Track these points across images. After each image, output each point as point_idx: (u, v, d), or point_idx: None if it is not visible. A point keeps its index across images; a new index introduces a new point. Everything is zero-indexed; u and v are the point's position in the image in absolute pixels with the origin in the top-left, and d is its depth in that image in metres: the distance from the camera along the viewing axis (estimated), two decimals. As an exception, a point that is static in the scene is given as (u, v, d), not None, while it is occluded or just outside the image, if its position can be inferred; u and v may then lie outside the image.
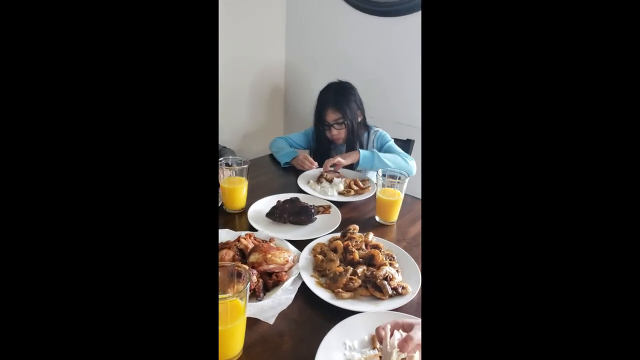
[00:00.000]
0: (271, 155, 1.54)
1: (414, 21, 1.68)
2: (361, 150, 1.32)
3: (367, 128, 1.51)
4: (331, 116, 1.42)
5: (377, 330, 0.56)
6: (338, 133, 1.44)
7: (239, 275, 0.61)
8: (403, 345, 0.52)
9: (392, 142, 1.45)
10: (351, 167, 1.41)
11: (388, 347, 0.52)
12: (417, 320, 0.56)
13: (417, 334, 0.52)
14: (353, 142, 1.43)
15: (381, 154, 1.31)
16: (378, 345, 0.58)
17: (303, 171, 1.35)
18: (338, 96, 1.42)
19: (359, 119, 1.46)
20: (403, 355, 0.51)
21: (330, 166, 1.30)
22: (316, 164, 1.37)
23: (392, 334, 0.54)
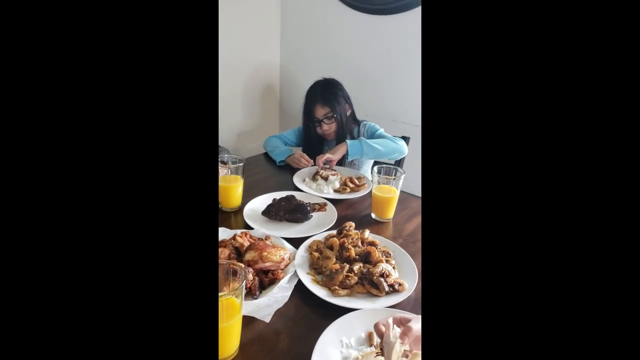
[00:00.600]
0: (266, 154, 1.53)
1: (408, 19, 1.68)
2: (348, 141, 1.32)
3: (357, 122, 1.51)
4: (320, 112, 1.43)
5: (376, 325, 0.56)
6: (329, 128, 1.44)
7: (235, 273, 0.60)
8: (403, 336, 0.52)
9: (382, 130, 1.45)
10: (343, 160, 1.41)
11: (391, 337, 0.52)
12: (416, 316, 0.56)
13: (415, 325, 0.53)
14: (344, 136, 1.43)
15: (369, 140, 1.31)
16: (376, 341, 0.58)
17: (299, 169, 1.35)
18: (325, 92, 1.43)
19: (348, 113, 1.46)
20: (405, 347, 0.51)
21: (324, 164, 1.30)
22: (312, 161, 1.37)
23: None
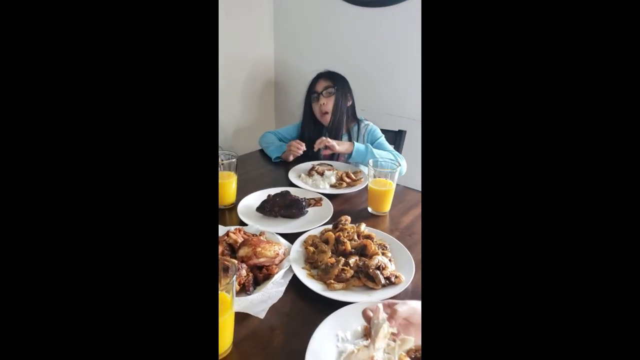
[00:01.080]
0: (262, 151, 1.52)
1: (402, 11, 1.66)
2: (356, 143, 1.32)
3: (357, 120, 1.49)
4: (322, 84, 1.44)
5: (364, 311, 0.56)
6: (326, 103, 1.43)
7: (226, 269, 0.59)
8: (390, 319, 0.52)
9: (383, 139, 1.44)
10: (338, 156, 1.42)
11: (380, 319, 0.52)
12: (402, 301, 0.56)
13: (401, 308, 0.53)
14: (340, 124, 1.43)
15: (375, 150, 1.30)
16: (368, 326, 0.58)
17: (294, 165, 1.33)
18: (332, 73, 1.46)
19: (349, 104, 1.46)
20: (393, 329, 0.51)
21: (321, 148, 1.29)
22: (304, 145, 1.36)
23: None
